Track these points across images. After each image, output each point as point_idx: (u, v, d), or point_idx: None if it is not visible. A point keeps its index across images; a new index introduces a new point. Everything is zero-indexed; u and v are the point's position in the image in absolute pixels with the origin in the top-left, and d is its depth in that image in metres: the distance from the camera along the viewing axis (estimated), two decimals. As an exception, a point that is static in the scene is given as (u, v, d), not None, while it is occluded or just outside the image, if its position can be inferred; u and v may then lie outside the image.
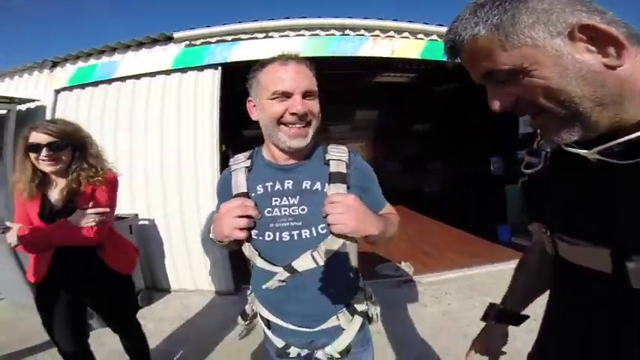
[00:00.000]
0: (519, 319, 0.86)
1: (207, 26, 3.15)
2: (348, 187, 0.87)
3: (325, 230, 0.83)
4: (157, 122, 3.16)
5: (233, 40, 3.17)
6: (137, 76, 3.20)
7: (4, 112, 3.26)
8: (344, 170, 0.89)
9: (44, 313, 1.53)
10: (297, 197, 0.86)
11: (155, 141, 3.16)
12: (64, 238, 1.39)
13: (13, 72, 3.72)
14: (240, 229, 0.77)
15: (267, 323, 0.98)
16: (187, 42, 3.18)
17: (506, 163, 4.97)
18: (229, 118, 3.48)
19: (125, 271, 1.62)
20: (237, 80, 4.03)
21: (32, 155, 1.36)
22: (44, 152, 1.34)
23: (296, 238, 0.85)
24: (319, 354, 0.99)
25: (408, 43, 3.32)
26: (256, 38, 3.18)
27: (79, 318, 1.60)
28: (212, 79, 3.13)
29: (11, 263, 2.60)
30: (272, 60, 0.83)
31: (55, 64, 3.44)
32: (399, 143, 8.87)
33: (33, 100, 3.35)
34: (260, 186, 0.89)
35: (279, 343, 0.98)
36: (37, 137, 1.35)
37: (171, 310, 2.89)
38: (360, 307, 0.96)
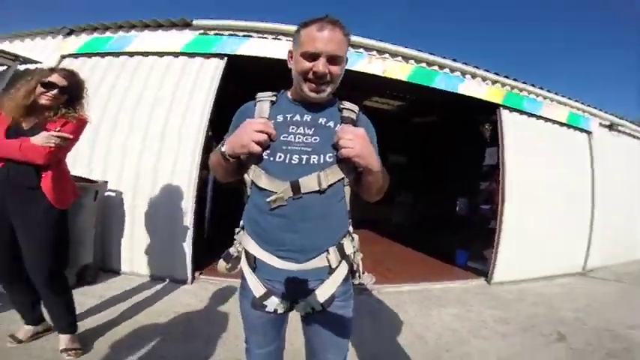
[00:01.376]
0: None
1: (224, 18, 3.43)
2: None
3: (332, 159, 0.92)
4: (151, 98, 3.25)
5: (244, 35, 3.42)
6: (145, 54, 3.36)
7: (4, 67, 3.30)
8: (354, 117, 1.03)
9: None
10: (313, 129, 0.96)
11: (144, 115, 3.22)
12: (18, 150, 1.53)
13: (27, 34, 3.81)
14: (257, 142, 0.84)
15: (254, 262, 0.99)
16: (202, 30, 3.42)
17: (471, 204, 5.33)
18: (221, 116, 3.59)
19: (57, 203, 1.65)
20: (230, 80, 4.21)
21: (40, 90, 1.60)
22: (54, 92, 1.61)
23: (304, 162, 0.92)
24: (300, 306, 0.99)
25: (399, 66, 3.67)
26: (265, 38, 3.45)
27: (14, 242, 1.62)
28: (216, 67, 3.31)
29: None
30: (313, 22, 0.93)
31: (70, 32, 3.56)
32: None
33: (36, 62, 3.41)
34: (280, 115, 0.98)
35: (259, 290, 0.98)
36: (55, 78, 1.63)
37: (117, 291, 2.73)
38: (348, 249, 1.00)
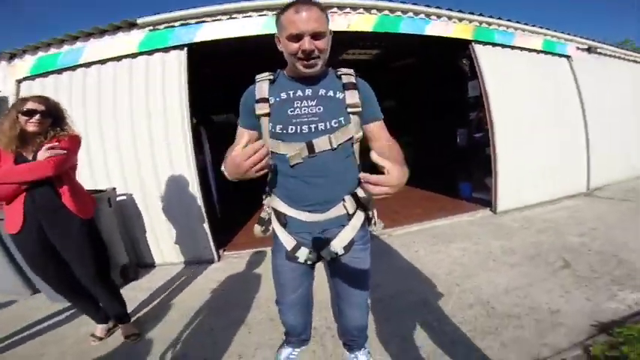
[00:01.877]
0: None
1: (170, 11, 3.29)
2: (359, 92, 1.09)
3: (337, 124, 1.06)
4: (127, 102, 3.26)
5: (197, 22, 3.32)
6: (102, 62, 3.27)
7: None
8: (354, 81, 1.11)
9: (29, 259, 1.81)
10: (315, 100, 1.07)
11: (125, 119, 3.26)
12: (28, 171, 1.67)
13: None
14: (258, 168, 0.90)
15: (284, 218, 1.14)
16: (151, 27, 3.30)
17: (469, 134, 5.29)
18: (197, 101, 3.58)
19: (82, 214, 1.83)
20: (203, 65, 4.18)
21: (24, 118, 1.69)
22: (37, 117, 1.71)
23: (313, 130, 1.05)
24: (325, 252, 1.15)
25: (363, 18, 3.61)
26: (220, 20, 3.35)
27: (60, 258, 1.82)
28: (178, 59, 3.28)
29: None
30: (289, 6, 1.01)
31: (12, 56, 3.41)
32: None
33: (-7, 91, 3.32)
34: (284, 93, 1.08)
35: (290, 244, 1.16)
36: (34, 105, 1.72)
37: (159, 281, 2.97)
38: (362, 195, 1.11)
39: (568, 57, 4.89)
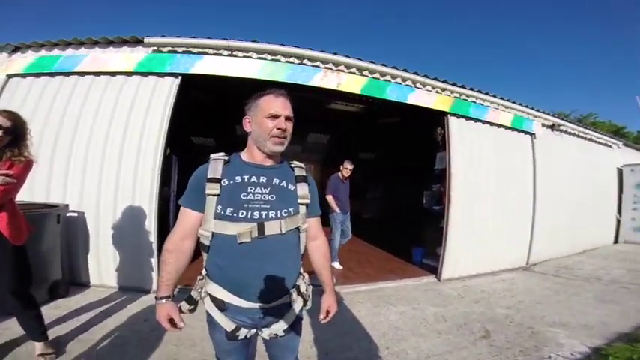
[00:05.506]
0: None
1: (178, 36, 3.59)
2: (308, 185, 1.26)
3: (287, 214, 1.16)
4: (107, 118, 3.46)
5: (199, 52, 3.63)
6: (97, 74, 3.50)
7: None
8: (304, 174, 1.28)
9: None
10: (269, 189, 1.16)
11: (100, 137, 3.43)
12: None
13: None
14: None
15: (222, 304, 1.15)
16: (155, 48, 3.59)
17: (430, 202, 5.79)
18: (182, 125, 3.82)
19: (15, 241, 1.90)
20: (195, 91, 4.43)
21: None
22: None
23: (264, 217, 1.12)
24: (265, 332, 1.20)
25: (353, 78, 4.03)
26: (221, 55, 3.67)
27: None
28: (170, 86, 3.55)
29: None
30: (268, 92, 1.20)
31: (16, 49, 3.59)
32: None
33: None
34: (239, 177, 1.16)
35: (230, 326, 1.16)
36: (1, 120, 1.79)
37: (87, 302, 3.03)
38: (302, 288, 1.24)
39: (532, 134, 5.51)
